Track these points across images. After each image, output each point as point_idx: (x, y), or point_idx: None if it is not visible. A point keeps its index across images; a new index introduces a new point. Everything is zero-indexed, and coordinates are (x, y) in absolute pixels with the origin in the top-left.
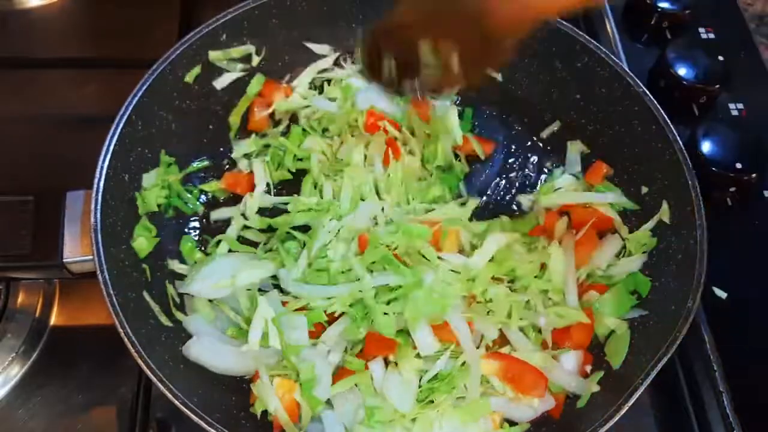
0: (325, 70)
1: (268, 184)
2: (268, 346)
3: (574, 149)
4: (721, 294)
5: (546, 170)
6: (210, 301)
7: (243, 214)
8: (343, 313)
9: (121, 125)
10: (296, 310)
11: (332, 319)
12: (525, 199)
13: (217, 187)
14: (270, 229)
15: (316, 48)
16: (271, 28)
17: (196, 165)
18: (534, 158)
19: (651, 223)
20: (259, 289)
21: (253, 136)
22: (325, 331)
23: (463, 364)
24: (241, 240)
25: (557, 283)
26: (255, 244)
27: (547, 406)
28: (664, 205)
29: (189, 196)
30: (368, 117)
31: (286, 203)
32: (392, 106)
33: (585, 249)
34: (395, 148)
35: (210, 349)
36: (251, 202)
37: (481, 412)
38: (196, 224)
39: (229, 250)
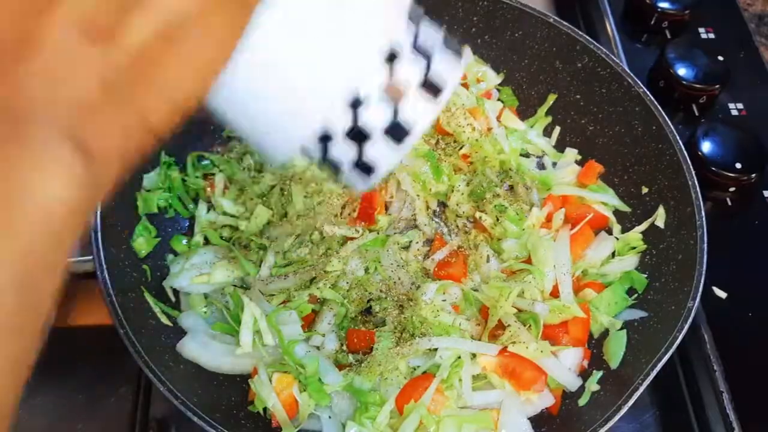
0: None
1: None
2: (265, 345)
3: (569, 157)
4: (721, 294)
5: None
6: (205, 297)
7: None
8: (326, 300)
9: None
10: (279, 304)
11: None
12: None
13: (201, 186)
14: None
15: None
16: None
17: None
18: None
19: (643, 226)
20: (241, 286)
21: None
22: (313, 322)
23: (459, 358)
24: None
25: (542, 271)
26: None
27: (546, 403)
28: (660, 210)
29: (189, 198)
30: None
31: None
32: None
33: (579, 245)
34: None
35: (203, 347)
36: (200, 214)
37: (484, 423)
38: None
39: (207, 243)
